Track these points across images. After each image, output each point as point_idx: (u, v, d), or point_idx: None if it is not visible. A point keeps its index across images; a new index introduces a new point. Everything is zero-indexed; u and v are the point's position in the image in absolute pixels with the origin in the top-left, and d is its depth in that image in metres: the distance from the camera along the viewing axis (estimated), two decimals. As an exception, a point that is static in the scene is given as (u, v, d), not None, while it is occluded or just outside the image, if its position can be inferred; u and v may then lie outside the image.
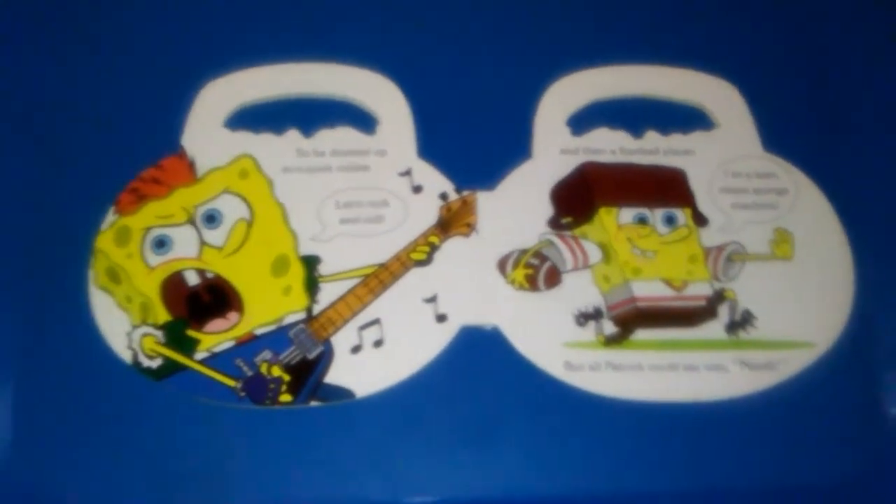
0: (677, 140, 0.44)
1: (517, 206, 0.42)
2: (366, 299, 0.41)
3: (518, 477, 0.39)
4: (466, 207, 0.42)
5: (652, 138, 0.44)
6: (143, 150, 0.42)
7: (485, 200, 0.42)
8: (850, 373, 0.41)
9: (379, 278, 0.41)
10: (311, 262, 0.41)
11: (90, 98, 0.44)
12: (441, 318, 0.40)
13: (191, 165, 0.42)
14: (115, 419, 0.39)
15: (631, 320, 0.41)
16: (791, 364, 0.40)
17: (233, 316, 0.40)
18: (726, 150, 0.44)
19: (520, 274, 0.41)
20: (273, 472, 0.39)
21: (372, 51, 0.44)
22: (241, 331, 0.40)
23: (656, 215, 0.43)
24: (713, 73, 0.45)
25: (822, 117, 0.45)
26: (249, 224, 0.41)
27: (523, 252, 0.42)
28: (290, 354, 0.40)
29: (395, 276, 0.41)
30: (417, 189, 0.42)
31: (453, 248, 0.42)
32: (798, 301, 0.41)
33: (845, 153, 0.44)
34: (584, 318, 0.41)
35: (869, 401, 0.41)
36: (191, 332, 0.40)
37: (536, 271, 0.41)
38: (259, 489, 0.39)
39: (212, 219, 0.41)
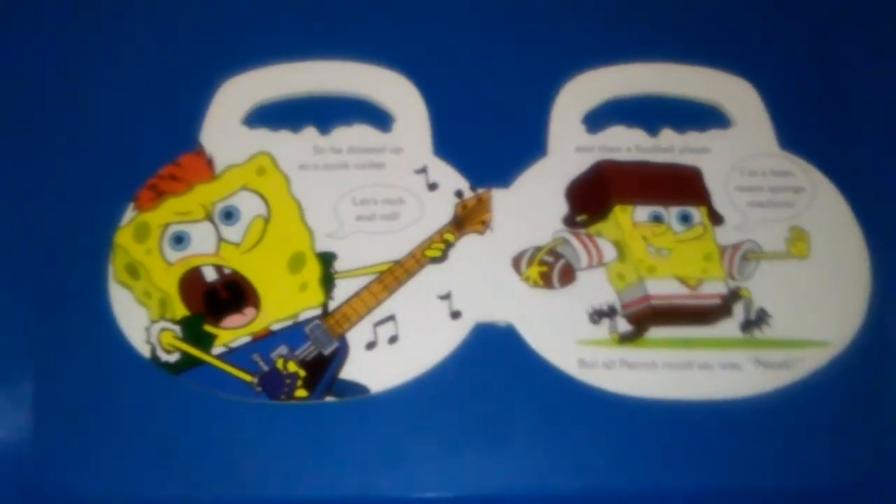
0: (693, 138, 0.44)
1: (532, 203, 0.42)
2: (381, 296, 0.41)
3: (531, 474, 0.39)
4: (481, 205, 0.42)
5: (668, 136, 0.44)
6: (161, 147, 0.43)
7: (500, 198, 0.42)
8: (866, 372, 0.41)
9: (394, 275, 0.41)
10: (327, 259, 0.41)
11: (110, 96, 0.44)
12: (455, 314, 0.41)
13: (209, 162, 0.43)
14: (134, 413, 0.40)
15: (645, 318, 0.41)
16: (806, 363, 0.40)
17: (249, 311, 0.41)
18: (742, 148, 0.44)
19: (534, 271, 0.41)
20: (288, 467, 0.39)
21: (388, 48, 0.44)
22: (258, 326, 0.40)
23: (671, 213, 0.42)
24: (729, 70, 0.45)
25: (839, 115, 0.45)
26: (266, 221, 0.42)
27: (538, 249, 0.42)
28: (306, 350, 0.40)
29: (410, 273, 0.41)
30: (433, 186, 0.42)
31: (468, 245, 0.42)
32: (814, 300, 0.41)
33: (862, 151, 0.44)
34: (598, 315, 0.41)
35: (884, 400, 0.41)
36: (208, 328, 0.40)
37: (551, 269, 0.41)
38: (274, 483, 0.39)
39: (229, 215, 0.42)
